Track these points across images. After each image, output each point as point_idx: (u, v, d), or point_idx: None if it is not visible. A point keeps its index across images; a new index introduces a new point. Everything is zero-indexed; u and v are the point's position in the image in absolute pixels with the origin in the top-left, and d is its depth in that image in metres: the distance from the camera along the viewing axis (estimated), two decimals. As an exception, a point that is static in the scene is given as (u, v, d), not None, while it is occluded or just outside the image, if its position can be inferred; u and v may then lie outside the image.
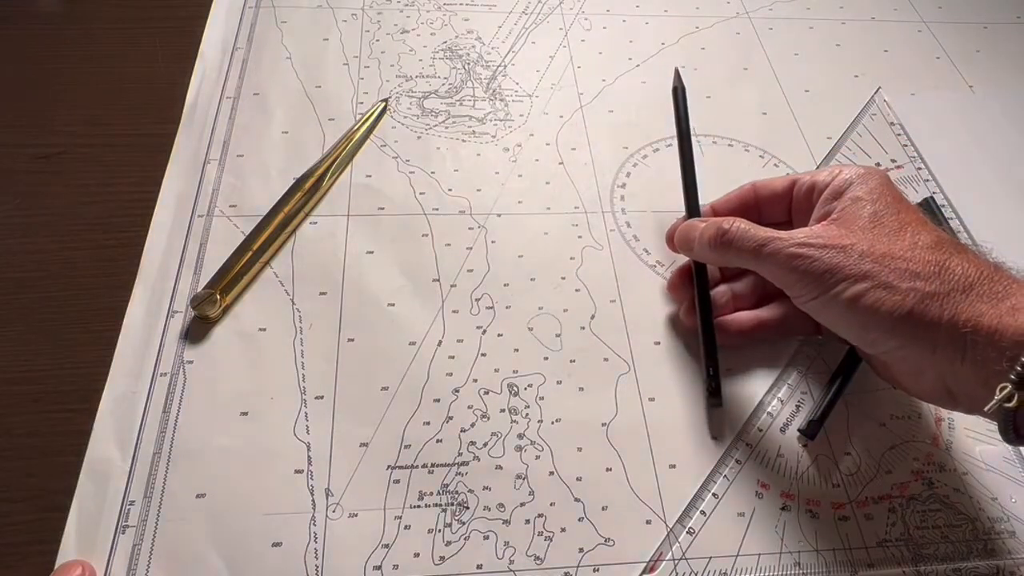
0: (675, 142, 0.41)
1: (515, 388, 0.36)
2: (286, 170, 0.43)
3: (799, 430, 0.36)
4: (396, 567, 0.31)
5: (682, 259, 0.40)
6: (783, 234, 0.33)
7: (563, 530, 0.32)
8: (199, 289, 0.37)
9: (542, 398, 0.36)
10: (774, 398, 0.37)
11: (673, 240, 0.39)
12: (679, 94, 0.42)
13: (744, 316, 0.37)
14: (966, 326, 0.28)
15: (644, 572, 0.31)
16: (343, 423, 0.34)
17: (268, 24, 0.51)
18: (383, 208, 0.42)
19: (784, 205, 0.38)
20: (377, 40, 0.51)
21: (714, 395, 0.35)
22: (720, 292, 0.38)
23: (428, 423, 0.35)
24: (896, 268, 0.30)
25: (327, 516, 0.32)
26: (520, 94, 0.49)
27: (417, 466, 0.33)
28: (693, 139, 0.41)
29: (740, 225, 0.34)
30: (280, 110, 0.46)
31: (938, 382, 0.30)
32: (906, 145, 0.49)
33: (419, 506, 0.32)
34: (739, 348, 0.38)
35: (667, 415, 0.36)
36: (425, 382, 0.36)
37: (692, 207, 0.39)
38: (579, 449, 0.34)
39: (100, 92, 0.46)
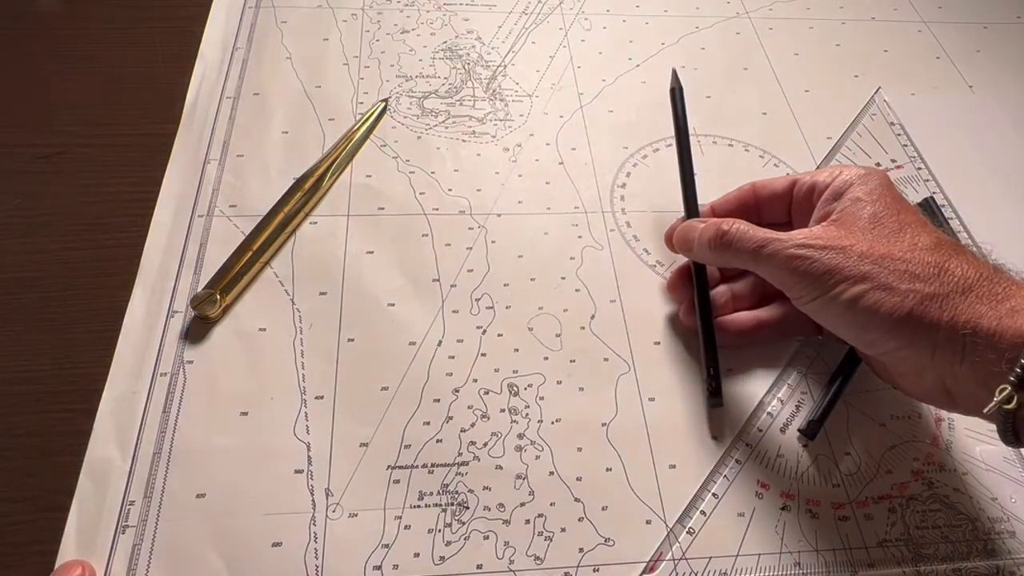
0: (675, 142, 0.41)
1: (515, 388, 0.36)
2: (286, 170, 0.43)
3: (799, 430, 0.36)
4: (396, 567, 0.31)
5: (682, 259, 0.40)
6: (782, 235, 0.33)
7: (563, 530, 0.32)
8: (199, 289, 0.37)
9: (542, 398, 0.36)
10: (774, 398, 0.37)
11: (672, 241, 0.39)
12: (677, 95, 0.42)
13: (744, 316, 0.37)
14: (965, 328, 0.28)
15: (644, 572, 0.31)
16: (343, 423, 0.34)
17: (268, 24, 0.51)
18: (383, 208, 0.42)
19: (784, 206, 0.38)
20: (377, 40, 0.51)
21: (714, 395, 0.35)
22: (720, 292, 0.38)
23: (428, 423, 0.35)
24: (895, 269, 0.30)
25: (327, 516, 0.32)
26: (520, 94, 0.49)
27: (417, 466, 0.33)
28: (693, 139, 0.42)
29: (739, 226, 0.34)
30: (280, 110, 0.46)
31: (937, 383, 0.30)
32: (906, 145, 0.49)
33: (419, 506, 0.32)
34: (739, 348, 0.38)
35: (667, 415, 0.36)
36: (425, 382, 0.36)
37: (691, 208, 0.39)
38: (579, 449, 0.34)
39: (100, 92, 0.46)
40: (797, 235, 0.33)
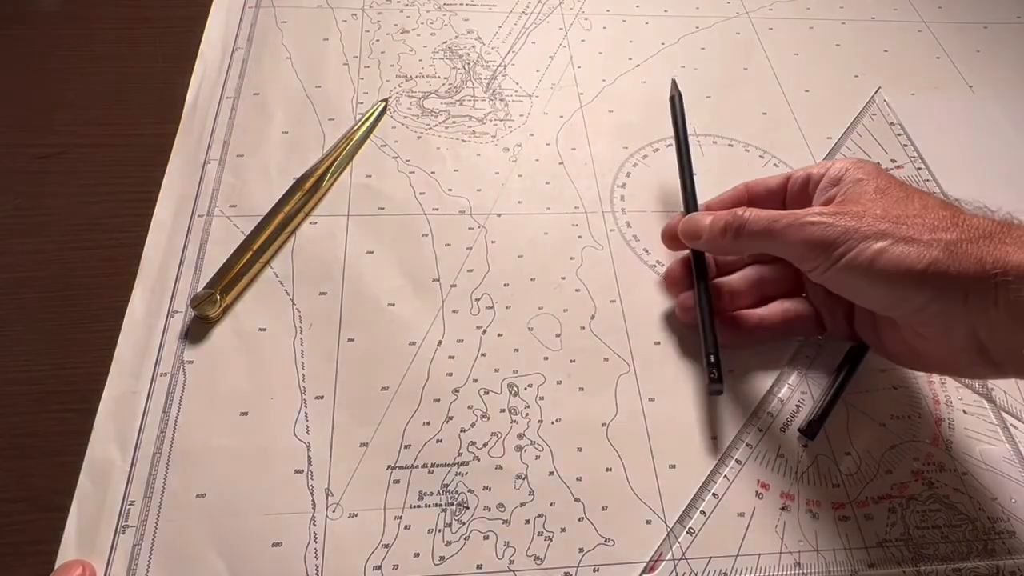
0: (675, 148, 0.41)
1: (515, 388, 0.36)
2: (286, 170, 0.43)
3: (799, 430, 0.36)
4: (396, 567, 0.31)
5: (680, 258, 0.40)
6: (795, 211, 0.33)
7: (563, 530, 0.32)
8: (199, 289, 0.37)
9: (542, 398, 0.36)
10: (774, 398, 0.37)
11: (672, 234, 0.38)
12: (676, 103, 0.42)
13: (744, 314, 0.37)
14: (995, 267, 0.28)
15: (644, 572, 0.31)
16: (343, 423, 0.34)
17: (268, 24, 0.51)
18: (383, 208, 0.42)
19: (779, 202, 0.38)
20: (377, 40, 0.51)
21: (715, 382, 0.35)
22: (719, 283, 0.38)
23: (428, 423, 0.35)
24: (913, 224, 0.30)
25: (327, 516, 0.32)
26: (520, 94, 0.49)
27: (417, 466, 0.33)
28: (693, 139, 0.42)
29: (753, 210, 0.35)
30: (280, 110, 0.46)
31: (969, 337, 0.29)
32: (906, 145, 0.49)
33: (419, 506, 0.32)
34: (739, 348, 0.38)
35: (667, 415, 0.36)
36: (425, 382, 0.36)
37: (691, 204, 0.39)
38: (579, 449, 0.34)
39: (100, 92, 0.46)
40: (809, 210, 0.33)
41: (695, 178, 0.41)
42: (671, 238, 0.39)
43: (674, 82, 0.44)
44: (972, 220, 0.30)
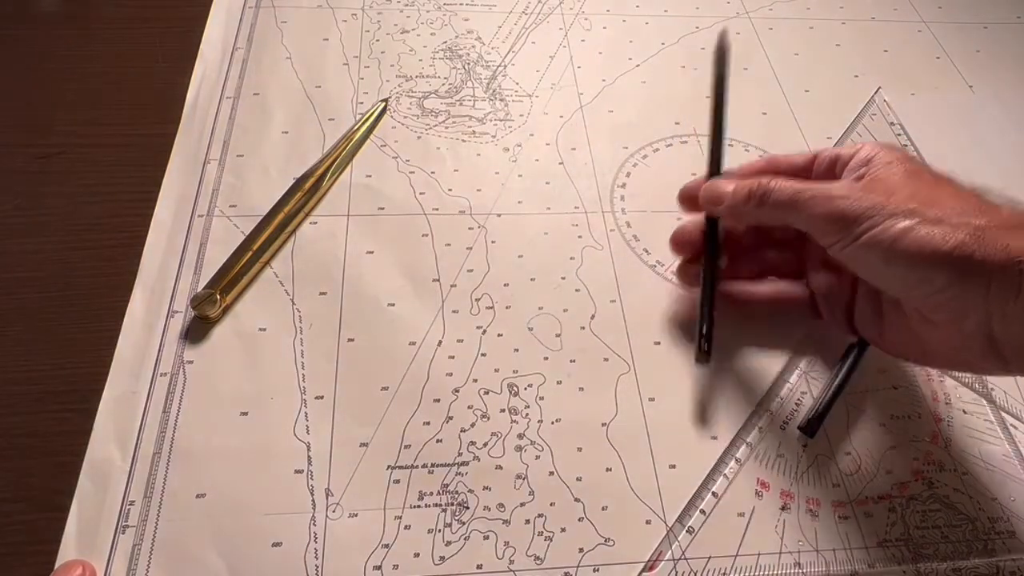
0: (675, 142, 0.41)
1: (515, 388, 0.36)
2: (286, 170, 0.43)
3: (799, 428, 0.36)
4: (396, 567, 0.31)
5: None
6: (823, 183, 0.33)
7: (563, 530, 0.32)
8: (199, 289, 0.37)
9: (542, 398, 0.36)
10: (774, 397, 0.37)
11: (688, 196, 0.38)
12: (723, 56, 0.40)
13: (739, 282, 0.38)
14: (1021, 256, 0.28)
15: (643, 571, 0.31)
16: (343, 423, 0.34)
17: (268, 24, 0.51)
18: (383, 208, 0.42)
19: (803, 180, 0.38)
20: (377, 40, 0.51)
21: (703, 351, 0.35)
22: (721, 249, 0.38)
23: (428, 423, 0.35)
24: (943, 207, 0.30)
25: (327, 516, 0.32)
26: (520, 94, 0.49)
27: (417, 466, 0.33)
28: (693, 139, 0.41)
29: (779, 178, 0.34)
30: (280, 110, 0.46)
31: (981, 328, 0.29)
32: (906, 145, 0.49)
33: (419, 506, 0.32)
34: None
35: (667, 415, 0.36)
36: (425, 382, 0.36)
37: (717, 167, 0.39)
38: (579, 449, 0.34)
39: (100, 92, 0.46)
40: (838, 183, 0.33)
41: (699, 170, 0.40)
42: (688, 200, 0.38)
43: (724, 32, 0.41)
44: (1002, 210, 0.30)
